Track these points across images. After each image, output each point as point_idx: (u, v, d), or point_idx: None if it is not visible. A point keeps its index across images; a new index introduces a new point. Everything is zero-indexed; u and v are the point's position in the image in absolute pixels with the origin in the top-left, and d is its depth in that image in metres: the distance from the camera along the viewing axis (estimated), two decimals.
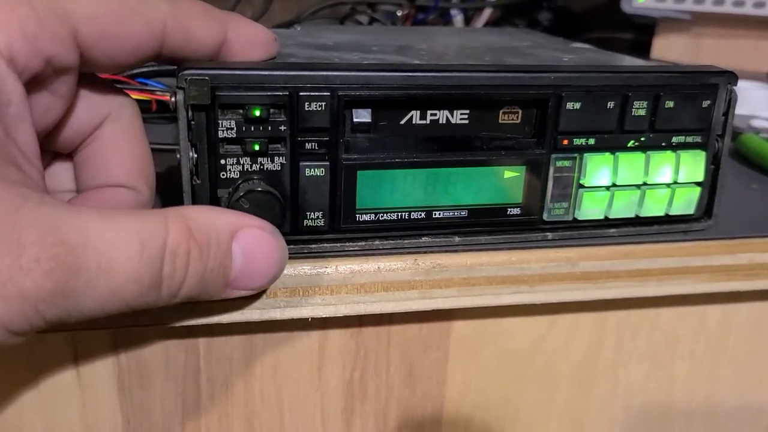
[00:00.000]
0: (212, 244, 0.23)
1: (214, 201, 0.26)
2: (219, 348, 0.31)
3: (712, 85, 0.30)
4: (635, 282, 0.31)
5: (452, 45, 0.38)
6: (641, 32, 0.93)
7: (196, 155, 0.26)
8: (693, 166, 0.31)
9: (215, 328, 0.31)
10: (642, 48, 0.87)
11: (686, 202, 0.32)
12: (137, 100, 0.29)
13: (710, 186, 0.32)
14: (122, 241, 0.21)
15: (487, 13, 1.02)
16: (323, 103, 0.26)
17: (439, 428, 0.36)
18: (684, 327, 0.36)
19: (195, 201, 0.26)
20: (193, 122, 0.25)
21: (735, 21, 0.78)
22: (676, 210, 0.32)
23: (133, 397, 0.31)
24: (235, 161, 0.26)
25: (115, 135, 0.27)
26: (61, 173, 0.27)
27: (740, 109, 0.57)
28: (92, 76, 0.26)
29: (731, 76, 0.31)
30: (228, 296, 0.24)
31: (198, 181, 0.26)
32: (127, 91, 0.30)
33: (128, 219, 0.21)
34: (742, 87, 0.59)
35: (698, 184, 0.32)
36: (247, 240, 0.24)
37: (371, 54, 0.33)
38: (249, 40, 0.28)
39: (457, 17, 0.99)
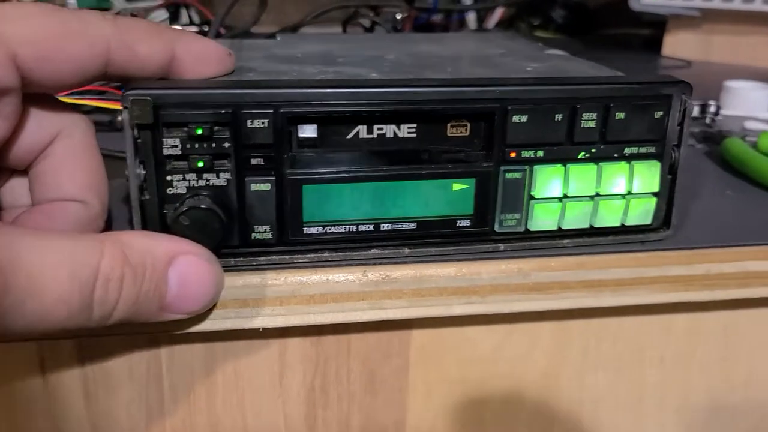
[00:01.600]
0: (147, 270, 0.24)
1: (162, 217, 0.27)
2: (180, 356, 0.32)
3: (665, 96, 0.30)
4: (589, 293, 0.32)
5: (421, 55, 0.38)
6: (655, 29, 0.91)
7: (144, 171, 0.27)
8: (648, 176, 0.31)
9: (176, 336, 0.32)
10: (656, 45, 0.86)
11: (642, 213, 0.32)
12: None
13: (668, 196, 0.32)
14: (53, 263, 0.21)
15: (499, 11, 1.02)
16: (266, 120, 0.27)
17: None
18: (649, 335, 0.36)
19: (144, 216, 0.27)
20: (139, 140, 0.26)
21: (746, 17, 0.76)
22: (633, 220, 0.32)
23: (99, 404, 0.32)
24: (181, 177, 0.27)
25: (66, 151, 0.28)
26: (18, 188, 0.29)
27: (738, 110, 0.57)
28: (41, 95, 0.27)
29: (685, 87, 0.30)
30: (163, 319, 0.25)
31: (147, 197, 0.27)
32: (112, 102, 0.31)
33: (61, 241, 0.22)
34: (742, 87, 0.58)
35: (654, 194, 0.32)
36: (183, 267, 0.25)
37: (333, 67, 0.33)
38: (200, 57, 0.28)
39: (470, 16, 0.99)
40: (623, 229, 0.32)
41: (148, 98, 0.26)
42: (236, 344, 0.32)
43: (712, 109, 0.53)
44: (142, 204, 0.27)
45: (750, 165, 0.41)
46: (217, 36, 0.67)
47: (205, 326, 0.29)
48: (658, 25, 0.88)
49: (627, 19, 0.99)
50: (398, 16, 0.69)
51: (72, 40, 0.25)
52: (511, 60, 0.37)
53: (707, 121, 0.53)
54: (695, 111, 0.54)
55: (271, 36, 0.53)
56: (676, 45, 0.83)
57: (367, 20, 0.71)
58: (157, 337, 0.32)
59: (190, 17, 0.89)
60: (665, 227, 0.33)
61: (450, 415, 0.36)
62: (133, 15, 0.89)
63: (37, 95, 0.27)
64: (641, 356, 0.37)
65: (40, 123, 0.27)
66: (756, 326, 0.37)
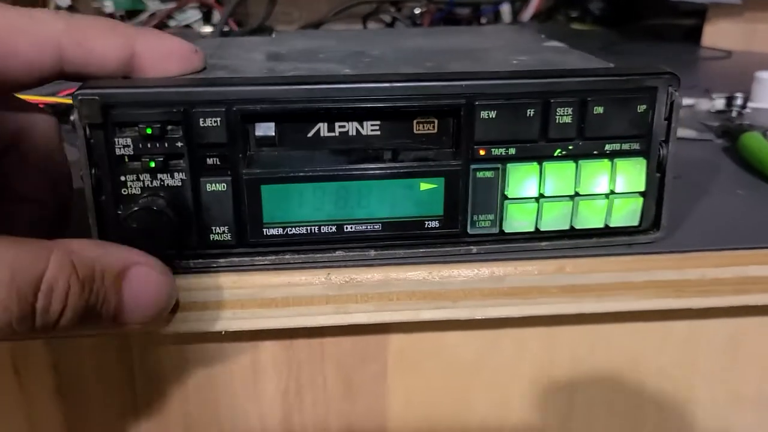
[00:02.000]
0: (96, 280, 0.23)
1: (117, 218, 0.27)
2: (151, 358, 0.32)
3: (649, 89, 0.28)
4: (570, 298, 0.30)
5: (409, 50, 0.37)
6: (696, 19, 0.87)
7: (98, 172, 0.26)
8: (633, 174, 0.29)
9: (146, 338, 0.31)
10: (696, 36, 0.82)
11: (628, 213, 0.30)
12: None
13: (657, 195, 0.30)
14: None
15: (534, 3, 0.99)
16: (218, 119, 0.26)
17: None
18: (646, 343, 0.34)
19: (99, 218, 0.27)
20: (92, 140, 0.26)
21: None
22: (618, 221, 0.30)
23: (74, 404, 0.32)
24: (135, 178, 0.27)
25: (26, 151, 0.28)
26: None
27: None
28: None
29: (672, 78, 0.28)
30: (113, 330, 0.25)
31: (102, 198, 0.27)
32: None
33: (4, 246, 0.22)
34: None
35: (641, 194, 0.30)
36: (134, 278, 0.24)
37: (309, 63, 0.33)
38: (161, 54, 0.28)
39: (505, 9, 0.97)
40: (608, 231, 0.30)
41: (96, 98, 0.25)
42: (207, 347, 0.32)
43: (739, 101, 0.50)
44: (97, 205, 0.27)
45: (766, 162, 0.38)
46: (225, 33, 0.67)
47: (168, 329, 0.28)
48: (698, 14, 0.84)
49: (667, 9, 0.95)
50: (416, 11, 0.67)
51: (19, 38, 0.25)
52: (500, 53, 0.36)
53: (734, 114, 0.50)
54: (720, 104, 0.51)
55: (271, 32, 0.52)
56: (717, 35, 0.79)
57: (389, 16, 0.69)
58: (127, 337, 0.31)
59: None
60: (655, 229, 0.30)
61: (433, 424, 0.35)
62: (169, 16, 0.91)
63: None
64: (637, 365, 0.35)
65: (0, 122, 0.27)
66: (766, 336, 0.35)
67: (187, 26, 0.91)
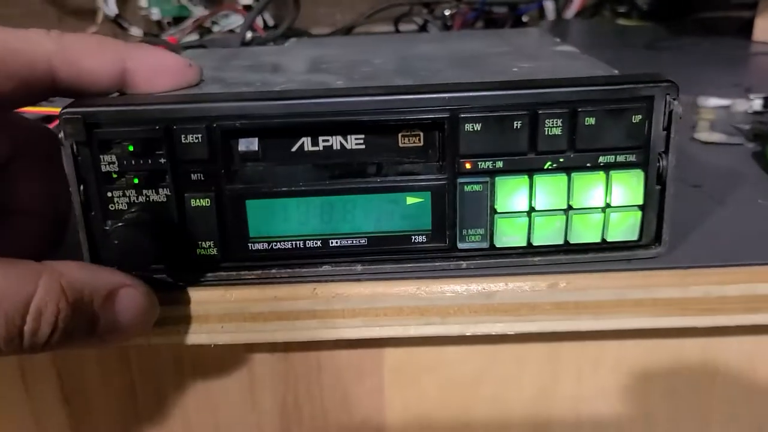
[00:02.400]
0: (85, 304, 0.24)
1: (105, 233, 0.27)
2: (149, 368, 0.33)
3: (645, 98, 0.27)
4: (565, 315, 0.29)
5: (412, 57, 0.36)
6: (752, 11, 0.83)
7: (86, 188, 0.27)
8: (630, 187, 0.28)
9: (143, 349, 0.32)
10: (750, 29, 0.78)
11: (627, 228, 0.28)
12: None
13: (657, 208, 0.28)
14: None
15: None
16: (200, 135, 0.26)
17: None
18: (656, 362, 0.33)
19: (88, 232, 0.28)
20: (79, 157, 0.27)
21: None
22: (615, 236, 0.29)
23: (79, 411, 0.33)
24: (121, 194, 0.27)
25: (24, 165, 0.29)
26: None
27: None
28: None
29: (670, 87, 0.27)
30: (97, 347, 0.25)
31: (92, 213, 0.27)
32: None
33: None
34: None
35: (639, 207, 0.28)
36: (122, 300, 0.25)
37: (304, 75, 0.33)
38: (153, 69, 0.28)
39: (548, 5, 0.95)
40: (606, 246, 0.29)
41: (79, 116, 0.26)
42: (204, 358, 0.32)
43: None
44: (87, 220, 0.27)
45: None
46: (250, 41, 0.67)
47: (158, 340, 0.29)
48: (753, 7, 0.80)
49: (720, 2, 0.91)
50: (446, 12, 0.66)
51: (11, 58, 0.25)
52: (504, 60, 0.35)
53: None
54: (757, 105, 0.48)
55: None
56: None
57: (421, 18, 0.69)
58: (126, 348, 0.32)
59: (264, 20, 0.90)
60: (656, 243, 0.29)
61: None
62: (213, 22, 0.92)
63: None
64: (647, 385, 0.33)
65: None
66: None
67: (231, 31, 0.92)
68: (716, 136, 0.43)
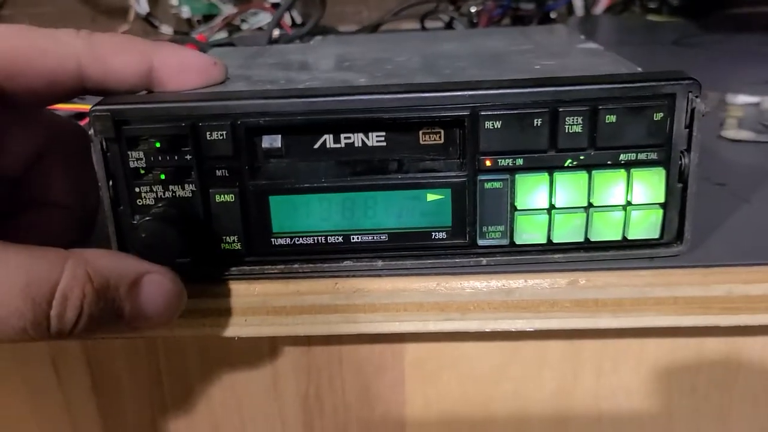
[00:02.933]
0: (110, 290, 0.25)
1: (133, 227, 0.28)
2: (176, 359, 0.33)
3: (667, 96, 0.27)
4: (585, 312, 0.29)
5: (435, 55, 0.36)
6: None
7: (115, 184, 0.28)
8: (651, 185, 0.28)
9: (170, 340, 0.33)
10: None
11: (648, 226, 0.28)
12: None
13: (679, 207, 0.28)
14: (7, 276, 0.22)
15: None
16: (224, 132, 0.27)
17: None
18: (677, 360, 0.32)
19: (117, 226, 0.28)
20: (108, 153, 0.27)
21: None
22: (637, 234, 0.28)
23: (109, 401, 0.34)
24: (148, 189, 0.28)
25: (55, 160, 0.29)
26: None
27: None
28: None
29: (692, 85, 0.27)
30: (125, 334, 0.26)
31: (121, 208, 0.28)
32: None
33: (20, 255, 0.23)
34: None
35: (661, 205, 0.28)
36: (147, 286, 0.26)
37: (331, 73, 0.33)
38: (178, 68, 0.29)
39: (577, 2, 0.94)
40: (627, 244, 0.29)
41: (108, 113, 0.27)
42: (229, 349, 0.33)
43: None
44: (115, 215, 0.28)
45: None
46: (277, 38, 0.67)
47: (185, 332, 0.29)
48: None
49: None
50: (472, 10, 0.66)
51: (41, 57, 0.26)
52: (526, 57, 0.35)
53: None
54: None
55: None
56: None
57: (447, 15, 0.69)
58: (153, 340, 0.33)
59: (292, 18, 0.91)
60: (678, 242, 0.29)
61: None
62: (242, 20, 0.93)
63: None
64: (668, 384, 0.33)
65: (28, 133, 0.29)
66: None
67: (259, 28, 0.93)
68: (744, 134, 0.43)
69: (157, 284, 0.26)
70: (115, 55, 0.28)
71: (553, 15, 0.87)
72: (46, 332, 0.24)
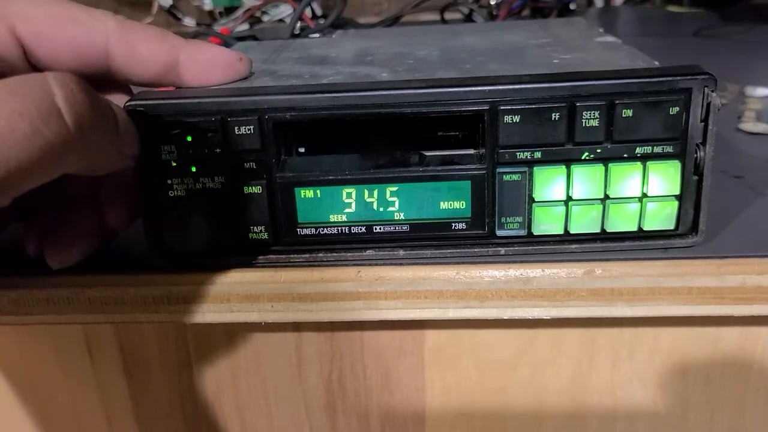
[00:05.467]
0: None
1: (166, 218, 0.29)
2: (204, 343, 0.35)
3: (682, 90, 0.27)
4: (600, 302, 0.30)
5: (456, 49, 0.37)
6: None
7: (148, 176, 0.29)
8: (667, 177, 0.28)
9: (198, 326, 0.34)
10: None
11: (664, 217, 0.29)
12: None
13: (694, 198, 0.29)
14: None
15: None
16: (252, 127, 0.28)
17: (423, 431, 0.36)
18: (692, 350, 0.33)
19: (151, 218, 0.30)
20: (141, 146, 0.29)
21: None
22: (652, 225, 0.29)
23: (140, 383, 0.36)
24: (179, 181, 0.29)
25: None
26: None
27: None
28: None
29: (708, 79, 0.27)
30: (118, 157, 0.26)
31: (153, 200, 0.29)
32: None
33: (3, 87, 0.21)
34: None
35: (676, 197, 0.29)
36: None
37: (351, 68, 0.34)
38: (205, 64, 0.30)
39: None
40: (642, 235, 0.30)
41: (142, 108, 0.28)
42: (255, 334, 0.34)
43: None
44: (148, 206, 0.30)
45: None
46: (299, 31, 0.68)
47: (213, 318, 0.31)
48: None
49: None
50: (492, 2, 0.67)
51: (70, 24, 0.27)
52: (545, 51, 0.36)
53: None
54: None
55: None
56: None
57: (466, 7, 0.69)
58: (182, 324, 0.34)
59: (312, 10, 0.92)
60: (693, 233, 0.30)
61: (470, 418, 0.36)
62: (264, 12, 0.94)
63: None
64: (683, 373, 0.34)
65: None
66: None
67: (280, 20, 0.94)
68: (762, 127, 0.43)
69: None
70: (143, 41, 0.28)
71: (572, 6, 0.87)
72: (59, 130, 0.21)
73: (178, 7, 0.92)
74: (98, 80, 0.29)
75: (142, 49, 0.28)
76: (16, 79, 0.21)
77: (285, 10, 0.95)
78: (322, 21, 0.83)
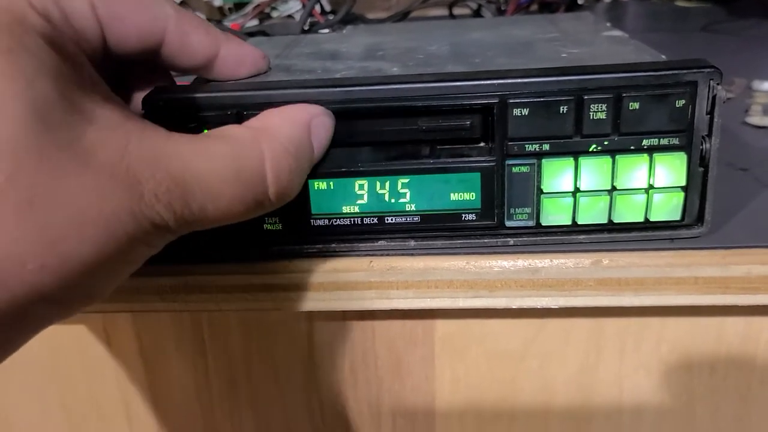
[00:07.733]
0: (301, 149, 0.27)
1: None
2: (219, 331, 0.35)
3: (688, 83, 0.28)
4: (607, 291, 0.30)
5: (464, 44, 0.38)
6: None
7: None
8: (673, 169, 0.29)
9: (213, 314, 0.35)
10: None
11: (670, 208, 0.30)
12: None
13: (700, 190, 0.29)
14: (216, 169, 0.24)
15: None
16: None
17: (433, 420, 0.37)
18: (697, 340, 0.34)
19: None
20: None
21: None
22: (658, 216, 0.30)
23: (156, 369, 0.37)
24: None
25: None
26: None
27: None
28: None
29: (713, 73, 0.28)
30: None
31: None
32: None
33: (219, 145, 0.25)
34: None
35: (682, 188, 0.29)
36: (316, 130, 0.28)
37: (362, 62, 0.34)
38: (238, 59, 0.30)
39: None
40: (649, 225, 0.30)
41: (161, 102, 0.29)
42: (268, 323, 0.35)
43: None
44: None
45: None
46: (312, 26, 0.69)
47: (229, 305, 0.31)
48: None
49: None
50: None
51: (140, 8, 0.27)
52: (553, 45, 0.36)
53: None
54: None
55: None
56: None
57: (474, 2, 0.70)
58: (198, 313, 0.35)
59: (321, 6, 0.92)
60: (699, 224, 0.30)
61: (479, 407, 0.36)
62: (273, 7, 0.95)
63: None
64: (689, 363, 0.34)
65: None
66: None
67: (289, 16, 0.95)
68: None
69: (321, 123, 0.29)
70: (195, 32, 0.28)
71: (580, 1, 0.87)
72: (263, 206, 0.26)
73: (188, 2, 0.93)
74: (141, 63, 0.29)
75: (192, 40, 0.28)
76: (238, 157, 0.25)
77: (294, 6, 0.95)
78: (331, 17, 0.84)
